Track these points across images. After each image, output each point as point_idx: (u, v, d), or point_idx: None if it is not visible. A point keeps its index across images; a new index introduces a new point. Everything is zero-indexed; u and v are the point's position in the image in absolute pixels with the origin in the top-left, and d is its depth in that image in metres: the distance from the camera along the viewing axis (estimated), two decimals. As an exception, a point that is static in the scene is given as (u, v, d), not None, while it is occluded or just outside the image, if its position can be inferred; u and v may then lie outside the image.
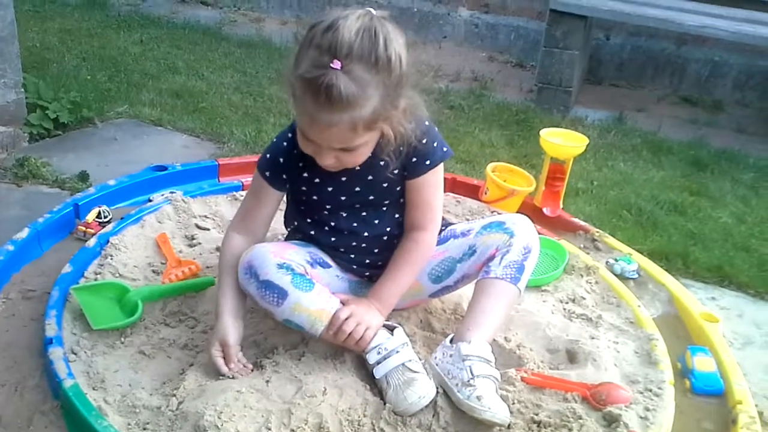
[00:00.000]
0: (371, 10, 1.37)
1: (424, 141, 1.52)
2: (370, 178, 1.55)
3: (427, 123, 1.53)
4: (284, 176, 1.59)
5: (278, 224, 1.76)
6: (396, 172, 1.54)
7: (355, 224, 1.61)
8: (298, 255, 1.57)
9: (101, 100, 3.35)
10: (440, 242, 1.69)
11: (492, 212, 2.31)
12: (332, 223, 1.61)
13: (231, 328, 1.54)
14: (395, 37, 1.36)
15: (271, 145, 1.61)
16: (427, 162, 1.55)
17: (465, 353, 1.48)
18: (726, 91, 4.48)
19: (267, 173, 1.59)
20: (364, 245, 1.63)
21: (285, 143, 1.57)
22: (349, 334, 1.49)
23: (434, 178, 1.59)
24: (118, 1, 5.30)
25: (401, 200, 1.61)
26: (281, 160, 1.57)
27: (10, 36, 2.72)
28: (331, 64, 1.30)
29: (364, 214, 1.61)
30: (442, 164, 1.59)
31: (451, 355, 1.51)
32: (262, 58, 4.32)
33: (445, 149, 1.58)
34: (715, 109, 4.34)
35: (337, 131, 1.36)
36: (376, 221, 1.62)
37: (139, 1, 5.43)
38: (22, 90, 2.85)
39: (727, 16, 3.90)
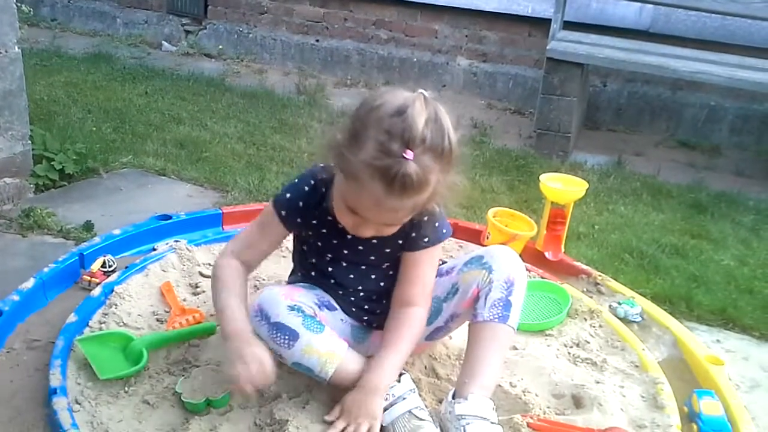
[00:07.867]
0: (423, 92, 1.37)
1: (425, 218, 1.53)
2: (374, 241, 1.55)
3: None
4: (299, 220, 1.59)
5: (284, 271, 1.76)
6: (400, 242, 1.56)
7: (351, 276, 1.62)
8: (307, 297, 1.57)
9: (106, 150, 3.40)
10: None
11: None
12: (329, 269, 1.63)
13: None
14: (450, 124, 1.38)
15: (292, 185, 1.60)
16: (426, 239, 1.56)
17: (459, 413, 1.47)
18: (723, 135, 4.53)
19: (283, 212, 1.59)
20: (362, 294, 1.64)
21: (306, 188, 1.57)
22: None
23: (430, 256, 1.59)
24: (124, 54, 5.41)
25: (398, 262, 1.62)
26: (301, 204, 1.58)
27: (19, 90, 2.77)
28: (404, 154, 1.30)
29: (363, 267, 1.62)
30: (440, 244, 1.60)
31: (450, 412, 1.50)
32: (265, 108, 4.39)
33: (444, 230, 1.59)
34: (712, 152, 4.39)
35: (401, 213, 1.40)
36: (373, 276, 1.63)
37: (144, 54, 5.55)
38: (29, 142, 2.89)
39: (720, 62, 3.97)
